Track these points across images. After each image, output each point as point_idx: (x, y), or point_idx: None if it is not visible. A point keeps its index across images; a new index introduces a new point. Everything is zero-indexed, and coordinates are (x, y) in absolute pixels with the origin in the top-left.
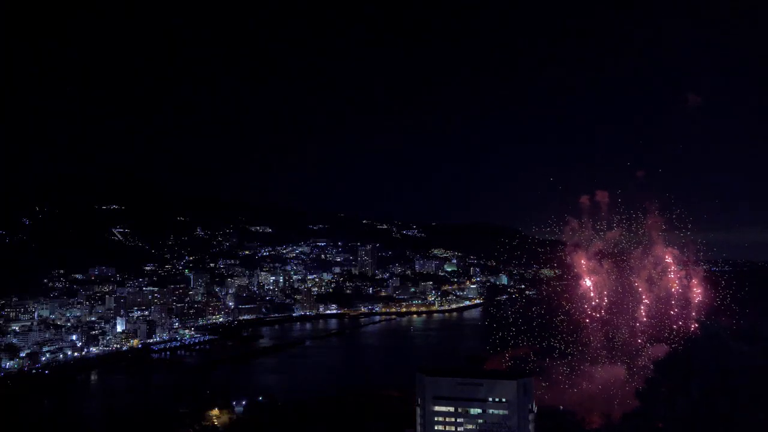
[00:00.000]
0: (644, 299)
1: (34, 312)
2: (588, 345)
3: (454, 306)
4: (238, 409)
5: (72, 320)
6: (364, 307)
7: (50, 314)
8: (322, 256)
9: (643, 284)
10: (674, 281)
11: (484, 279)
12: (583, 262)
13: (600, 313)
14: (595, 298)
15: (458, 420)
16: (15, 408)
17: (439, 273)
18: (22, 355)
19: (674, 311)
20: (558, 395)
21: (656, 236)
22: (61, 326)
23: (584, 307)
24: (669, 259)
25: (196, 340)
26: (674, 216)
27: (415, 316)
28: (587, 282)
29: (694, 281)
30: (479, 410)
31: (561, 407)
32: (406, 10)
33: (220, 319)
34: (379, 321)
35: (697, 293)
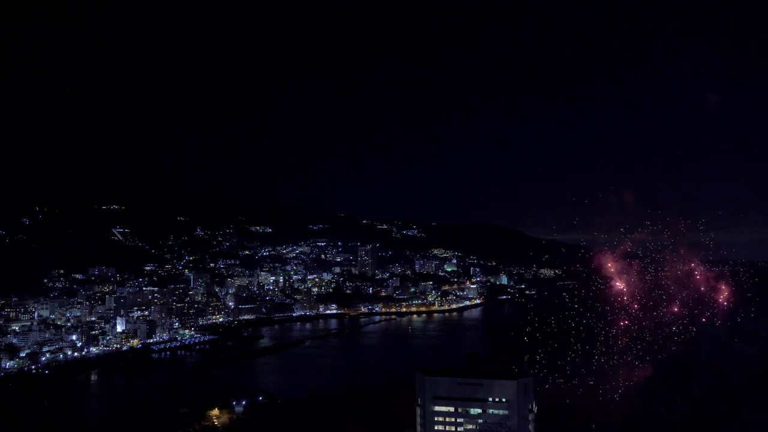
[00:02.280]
0: (675, 302)
1: (34, 312)
2: (616, 347)
3: (454, 306)
4: (238, 409)
5: (72, 320)
6: (364, 307)
7: (50, 314)
8: (322, 256)
9: (673, 286)
10: (702, 282)
11: (484, 279)
12: (609, 264)
13: (632, 315)
14: (627, 300)
15: (458, 420)
16: (15, 408)
17: (439, 273)
18: (22, 355)
19: (706, 317)
20: (570, 396)
21: (680, 238)
22: (61, 326)
23: (617, 309)
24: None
25: (196, 340)
26: (700, 221)
27: (415, 316)
28: (618, 284)
29: (722, 285)
30: (479, 410)
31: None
32: (406, 10)
33: (220, 319)
34: (379, 321)
35: (726, 296)
